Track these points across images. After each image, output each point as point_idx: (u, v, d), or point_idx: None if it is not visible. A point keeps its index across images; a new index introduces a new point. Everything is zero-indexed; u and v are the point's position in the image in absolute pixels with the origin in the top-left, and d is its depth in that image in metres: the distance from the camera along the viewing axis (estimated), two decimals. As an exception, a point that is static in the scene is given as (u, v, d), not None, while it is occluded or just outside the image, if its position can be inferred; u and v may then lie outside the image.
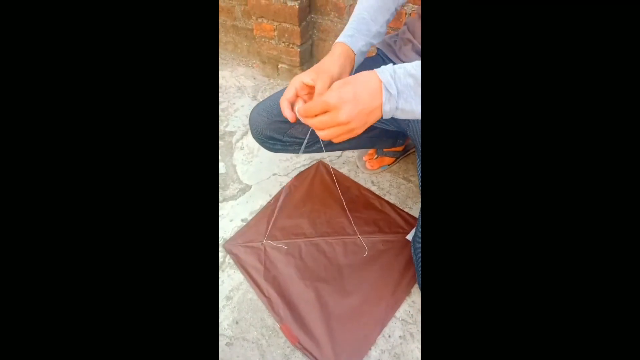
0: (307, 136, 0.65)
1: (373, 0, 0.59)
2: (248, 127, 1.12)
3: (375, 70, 0.41)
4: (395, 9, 0.61)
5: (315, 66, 0.52)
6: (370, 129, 0.76)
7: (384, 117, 0.42)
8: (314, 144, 0.70)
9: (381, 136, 0.81)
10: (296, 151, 0.72)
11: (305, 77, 0.50)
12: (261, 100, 1.21)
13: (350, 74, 0.58)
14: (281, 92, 0.70)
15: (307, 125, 0.53)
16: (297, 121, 0.50)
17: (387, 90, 0.39)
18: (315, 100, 0.39)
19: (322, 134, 0.41)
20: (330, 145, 0.74)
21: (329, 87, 0.55)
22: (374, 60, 0.68)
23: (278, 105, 0.69)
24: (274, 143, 0.72)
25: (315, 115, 0.41)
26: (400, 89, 0.39)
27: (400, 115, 0.41)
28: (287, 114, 0.49)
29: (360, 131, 0.42)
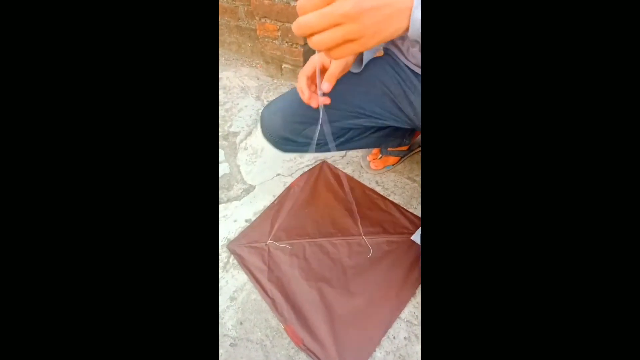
0: (316, 134, 0.64)
1: None
2: (252, 127, 1.12)
3: None
4: None
5: None
6: (380, 127, 0.76)
7: (410, 30, 0.29)
8: (324, 144, 0.69)
9: (389, 135, 0.80)
10: (307, 151, 0.70)
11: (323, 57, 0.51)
12: (265, 100, 1.22)
13: (358, 69, 0.59)
14: (292, 91, 0.69)
15: (320, 126, 0.53)
16: (312, 121, 0.51)
17: None
18: None
19: (313, 40, 0.29)
20: (339, 145, 0.73)
21: (343, 70, 0.56)
22: (382, 60, 0.67)
23: (292, 105, 0.68)
24: (288, 144, 0.70)
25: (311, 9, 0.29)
26: None
27: None
28: (305, 93, 0.51)
29: (368, 43, 0.29)
